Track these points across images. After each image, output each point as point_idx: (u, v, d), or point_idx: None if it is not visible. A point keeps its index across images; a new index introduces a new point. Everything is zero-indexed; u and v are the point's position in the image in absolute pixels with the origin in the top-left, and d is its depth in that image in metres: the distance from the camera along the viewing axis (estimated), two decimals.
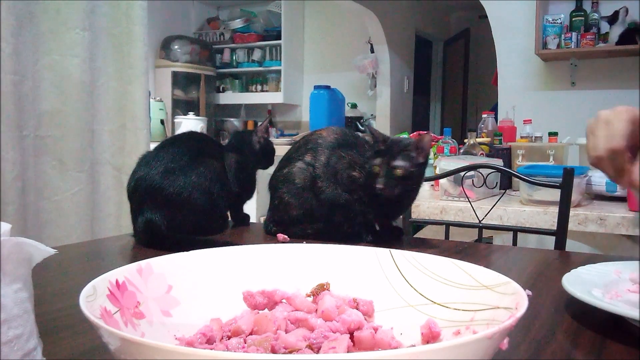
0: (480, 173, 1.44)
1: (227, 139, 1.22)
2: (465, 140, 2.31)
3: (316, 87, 4.90)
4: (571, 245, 1.68)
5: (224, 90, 5.78)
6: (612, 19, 3.08)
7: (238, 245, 0.57)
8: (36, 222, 1.46)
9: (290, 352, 0.39)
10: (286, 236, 0.99)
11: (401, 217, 1.40)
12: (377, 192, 0.94)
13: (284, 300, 0.49)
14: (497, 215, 1.73)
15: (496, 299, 0.43)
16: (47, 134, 1.48)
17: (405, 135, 1.59)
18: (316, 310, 0.47)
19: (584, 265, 0.70)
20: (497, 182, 1.92)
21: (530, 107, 3.29)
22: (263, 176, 1.17)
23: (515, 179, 1.99)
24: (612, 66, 3.21)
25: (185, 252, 0.52)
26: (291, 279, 0.52)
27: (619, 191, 1.82)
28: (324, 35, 5.56)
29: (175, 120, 4.93)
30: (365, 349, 0.41)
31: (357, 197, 0.99)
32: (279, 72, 5.47)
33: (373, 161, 0.95)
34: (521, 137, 2.51)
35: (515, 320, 0.34)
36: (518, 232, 1.32)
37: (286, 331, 0.43)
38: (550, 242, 1.26)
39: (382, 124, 5.24)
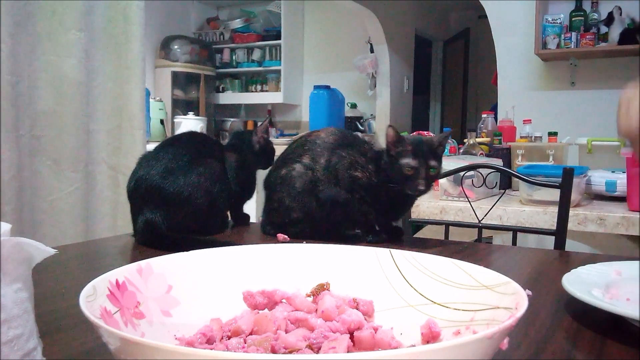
0: (480, 173, 1.44)
1: (227, 139, 1.22)
2: (465, 140, 2.32)
3: (316, 87, 4.90)
4: (571, 245, 1.68)
5: (223, 90, 5.78)
6: (608, 21, 3.09)
7: (238, 245, 0.57)
8: (31, 222, 1.46)
9: (290, 352, 0.39)
10: (286, 236, 0.99)
11: (399, 218, 1.39)
12: (414, 193, 0.94)
13: (284, 300, 0.49)
14: (496, 215, 1.73)
15: (496, 299, 0.43)
16: (42, 133, 1.49)
17: (405, 134, 1.58)
18: (316, 310, 0.47)
19: (584, 265, 0.70)
20: (496, 182, 1.92)
21: (530, 107, 3.29)
22: (263, 176, 1.17)
23: (514, 179, 1.99)
24: (612, 66, 3.21)
25: (185, 252, 0.52)
26: (291, 279, 0.52)
27: (619, 191, 1.82)
28: (324, 35, 5.56)
29: (175, 120, 4.94)
30: (365, 349, 0.41)
31: (358, 197, 0.99)
32: (278, 72, 5.47)
33: (403, 162, 0.93)
34: (521, 137, 2.51)
35: (515, 320, 0.34)
36: (518, 232, 1.32)
37: (286, 331, 0.43)
38: (550, 242, 1.26)
39: (382, 124, 5.24)
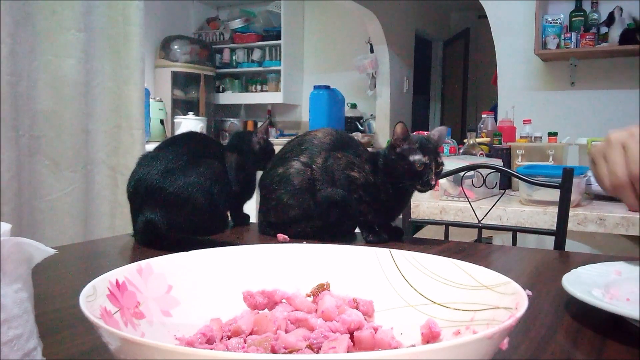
0: (480, 173, 1.44)
1: (227, 139, 1.22)
2: (465, 140, 2.32)
3: (316, 87, 4.90)
4: (571, 245, 1.68)
5: (223, 90, 5.78)
6: (609, 21, 3.09)
7: (238, 245, 0.57)
8: (30, 222, 1.46)
9: (290, 352, 0.39)
10: (286, 236, 0.99)
11: (401, 217, 1.40)
12: (425, 188, 0.96)
13: (284, 300, 0.49)
14: (496, 216, 1.73)
15: (496, 299, 0.43)
16: (41, 133, 1.49)
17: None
18: (316, 310, 0.47)
19: (584, 265, 0.70)
20: (496, 182, 1.92)
21: (530, 107, 3.29)
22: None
23: (514, 179, 1.99)
24: (612, 66, 3.21)
25: (185, 252, 0.52)
26: (291, 279, 0.52)
27: None
28: (323, 35, 5.56)
29: (175, 120, 4.94)
30: (365, 349, 0.41)
31: (356, 197, 0.99)
32: (278, 72, 5.48)
33: (414, 158, 0.94)
34: (521, 137, 2.51)
35: (515, 320, 0.34)
36: (518, 232, 1.32)
37: (286, 331, 0.43)
38: (550, 242, 1.26)
39: (382, 124, 5.25)
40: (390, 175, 0.97)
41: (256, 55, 5.66)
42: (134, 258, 0.77)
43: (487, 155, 2.25)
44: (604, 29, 3.13)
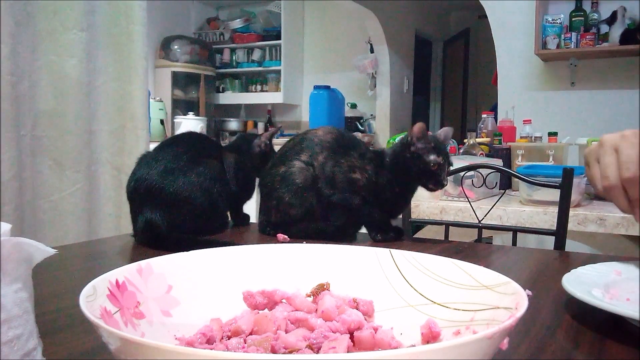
0: (480, 173, 1.44)
1: (228, 140, 1.22)
2: (465, 141, 2.32)
3: (316, 87, 4.90)
4: (571, 245, 1.68)
5: (223, 90, 5.78)
6: (611, 20, 3.09)
7: (238, 245, 0.57)
8: (33, 222, 1.46)
9: (290, 352, 0.39)
10: (286, 236, 0.99)
11: (401, 217, 1.40)
12: (438, 187, 0.97)
13: (284, 300, 0.49)
14: (496, 216, 1.73)
15: (496, 299, 0.43)
16: (43, 134, 1.49)
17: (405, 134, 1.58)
18: (316, 310, 0.47)
19: (584, 265, 0.70)
20: (496, 182, 1.92)
21: (530, 107, 3.30)
22: None
23: (515, 179, 1.99)
24: (612, 66, 3.21)
25: (185, 252, 0.52)
26: (291, 279, 0.52)
27: None
28: (324, 35, 5.56)
29: (175, 120, 4.94)
30: (365, 349, 0.41)
31: (360, 199, 0.99)
32: (278, 72, 5.48)
33: (430, 158, 0.95)
34: (521, 137, 2.51)
35: (515, 320, 0.34)
36: (518, 232, 1.32)
37: (286, 331, 0.43)
38: (550, 242, 1.26)
39: (382, 124, 5.25)
40: (401, 173, 0.98)
41: (256, 55, 5.66)
42: (134, 258, 0.77)
43: (487, 155, 2.25)
44: (604, 29, 3.13)
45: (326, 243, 0.66)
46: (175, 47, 5.24)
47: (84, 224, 1.58)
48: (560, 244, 1.21)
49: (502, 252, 1.06)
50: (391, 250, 0.53)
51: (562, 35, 3.15)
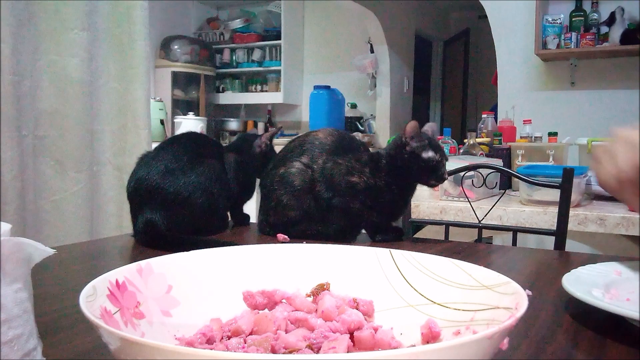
0: (480, 173, 1.44)
1: (228, 140, 1.23)
2: (465, 141, 2.32)
3: (316, 87, 4.90)
4: (571, 245, 1.68)
5: (223, 90, 5.78)
6: (610, 21, 3.09)
7: (238, 245, 0.57)
8: (35, 222, 1.46)
9: (290, 352, 0.39)
10: (286, 236, 0.99)
11: (401, 217, 1.40)
12: (439, 182, 0.99)
13: (284, 300, 0.49)
14: (496, 216, 1.73)
15: (496, 299, 0.43)
16: (45, 134, 1.49)
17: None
18: (316, 310, 0.47)
19: (584, 265, 0.70)
20: (496, 182, 1.92)
21: (530, 107, 3.29)
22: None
23: (515, 179, 1.99)
24: (612, 66, 3.21)
25: (185, 252, 0.52)
26: (291, 279, 0.52)
27: None
28: (324, 35, 5.56)
29: (175, 120, 4.93)
30: (365, 349, 0.41)
31: (359, 202, 0.99)
32: (278, 72, 5.47)
33: (428, 155, 0.96)
34: (521, 137, 2.51)
35: (515, 320, 0.34)
36: (518, 232, 1.32)
37: (286, 331, 0.43)
38: (550, 242, 1.26)
39: (382, 124, 5.25)
40: (401, 174, 0.98)
41: (256, 55, 5.65)
42: (134, 258, 0.77)
43: (487, 155, 2.25)
44: (604, 29, 3.13)
45: (326, 243, 0.66)
46: (175, 47, 5.24)
47: (86, 224, 1.58)
48: (560, 244, 1.21)
49: (502, 252, 1.06)
50: (391, 250, 0.53)
51: (562, 35, 3.14)
